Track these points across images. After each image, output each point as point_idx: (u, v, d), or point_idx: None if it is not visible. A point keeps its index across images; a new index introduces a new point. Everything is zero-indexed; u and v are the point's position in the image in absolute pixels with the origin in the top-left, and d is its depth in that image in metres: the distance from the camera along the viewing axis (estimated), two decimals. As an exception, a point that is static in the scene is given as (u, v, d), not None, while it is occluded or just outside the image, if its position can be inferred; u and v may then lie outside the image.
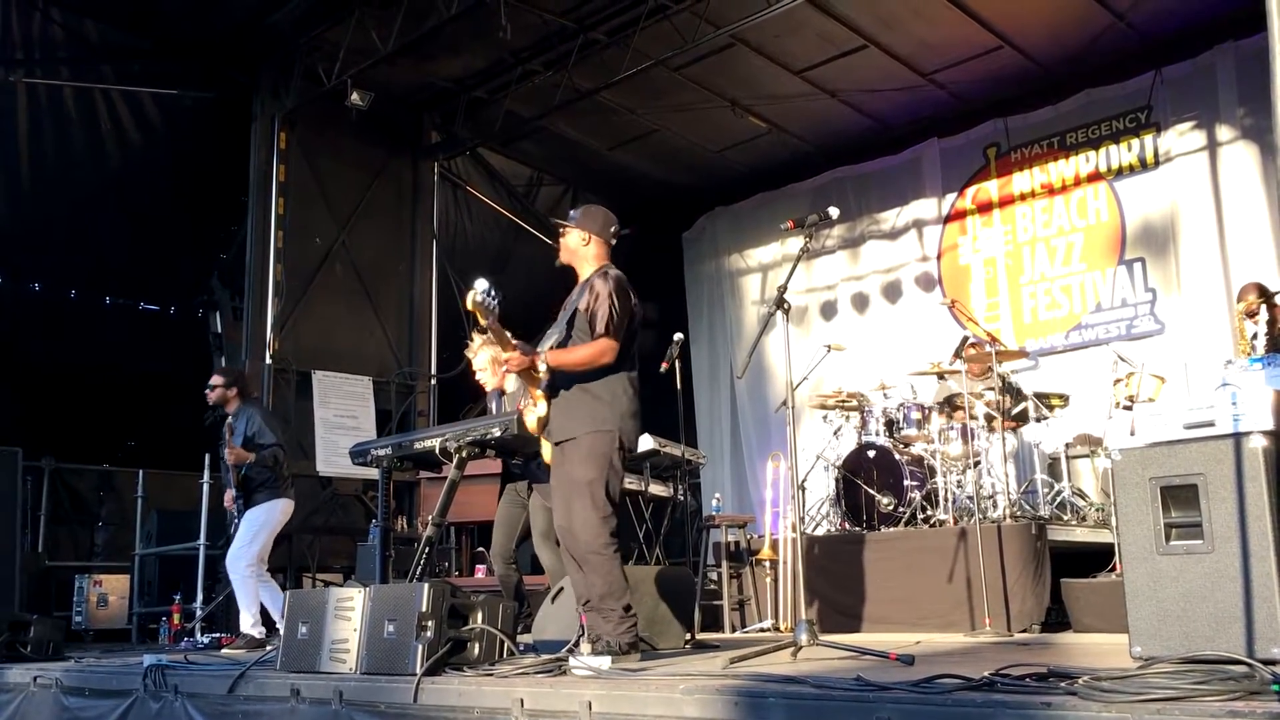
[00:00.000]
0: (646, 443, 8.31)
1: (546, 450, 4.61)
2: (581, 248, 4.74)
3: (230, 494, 7.22)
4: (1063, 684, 2.82)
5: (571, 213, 4.84)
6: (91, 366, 10.98)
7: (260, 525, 7.10)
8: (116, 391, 11.19)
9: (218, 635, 7.74)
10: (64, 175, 9.89)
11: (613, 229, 4.79)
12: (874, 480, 7.52)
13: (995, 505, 7.07)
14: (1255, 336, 7.23)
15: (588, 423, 4.47)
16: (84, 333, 11.10)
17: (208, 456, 9.08)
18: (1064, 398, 7.99)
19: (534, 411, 4.58)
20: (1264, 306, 7.21)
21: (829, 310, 11.61)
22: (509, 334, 4.63)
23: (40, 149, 9.69)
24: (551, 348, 4.58)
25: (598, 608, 4.38)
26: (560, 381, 4.55)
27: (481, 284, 4.48)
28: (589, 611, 4.44)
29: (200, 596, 8.53)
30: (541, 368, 4.50)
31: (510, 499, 5.89)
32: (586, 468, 4.43)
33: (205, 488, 8.86)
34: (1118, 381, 7.21)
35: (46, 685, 5.73)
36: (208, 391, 7.42)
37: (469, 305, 4.45)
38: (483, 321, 4.56)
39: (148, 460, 10.66)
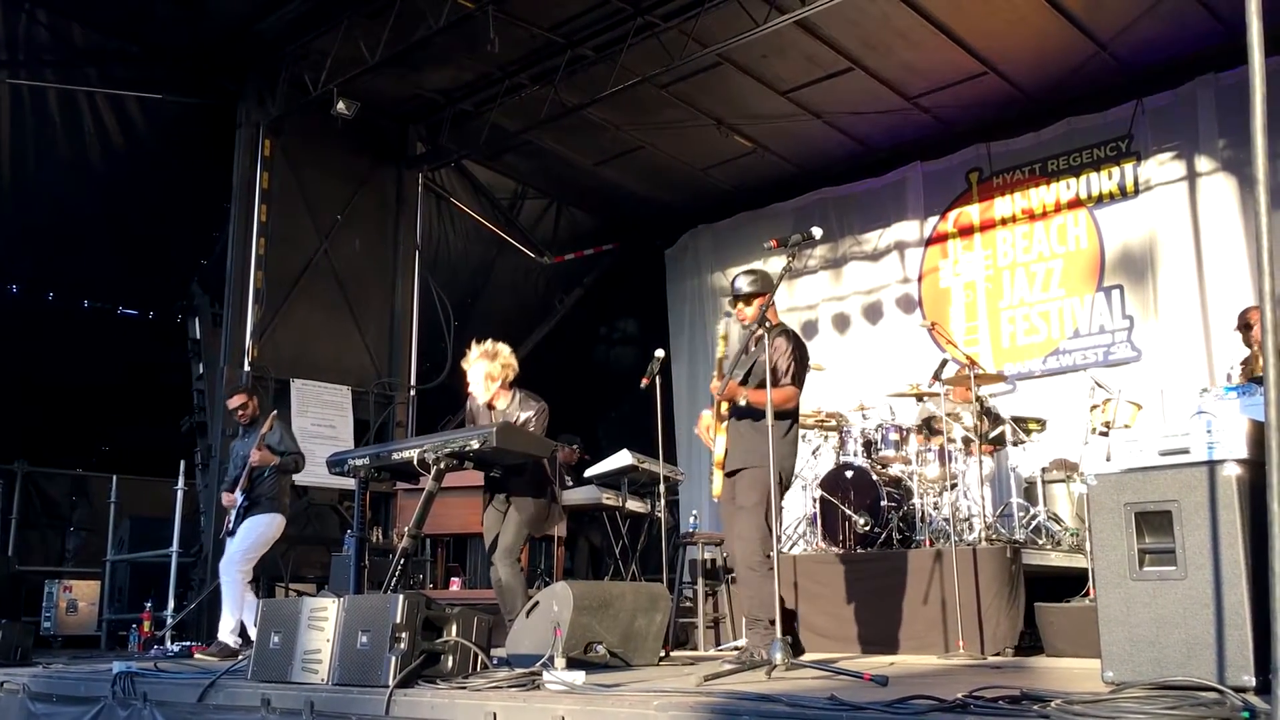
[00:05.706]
0: (624, 459, 8.33)
1: (718, 482, 5.26)
2: (762, 310, 5.25)
3: (230, 496, 7.20)
4: (1035, 707, 2.83)
5: (737, 284, 5.46)
6: (67, 370, 10.88)
7: (258, 536, 7.19)
8: (92, 396, 11.09)
9: (188, 643, 7.68)
10: (45, 177, 9.81)
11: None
12: (851, 500, 7.52)
13: (971, 528, 7.10)
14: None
15: (754, 458, 5.10)
16: (61, 336, 10.99)
17: (182, 463, 9.03)
18: (1041, 422, 8.03)
19: (718, 445, 5.27)
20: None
21: (810, 330, 11.63)
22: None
23: (22, 150, 9.61)
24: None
25: (749, 618, 5.06)
26: (737, 419, 5.24)
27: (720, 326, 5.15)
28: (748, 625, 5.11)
29: (172, 604, 8.48)
30: (742, 402, 5.19)
31: (496, 505, 5.88)
32: (748, 495, 5.17)
33: (179, 494, 8.81)
34: (1094, 407, 7.23)
35: (13, 691, 5.68)
36: (240, 413, 7.51)
37: (721, 334, 5.31)
38: (721, 351, 5.32)
39: (122, 466, 10.57)
